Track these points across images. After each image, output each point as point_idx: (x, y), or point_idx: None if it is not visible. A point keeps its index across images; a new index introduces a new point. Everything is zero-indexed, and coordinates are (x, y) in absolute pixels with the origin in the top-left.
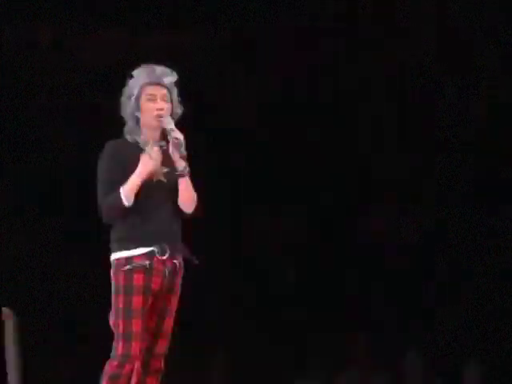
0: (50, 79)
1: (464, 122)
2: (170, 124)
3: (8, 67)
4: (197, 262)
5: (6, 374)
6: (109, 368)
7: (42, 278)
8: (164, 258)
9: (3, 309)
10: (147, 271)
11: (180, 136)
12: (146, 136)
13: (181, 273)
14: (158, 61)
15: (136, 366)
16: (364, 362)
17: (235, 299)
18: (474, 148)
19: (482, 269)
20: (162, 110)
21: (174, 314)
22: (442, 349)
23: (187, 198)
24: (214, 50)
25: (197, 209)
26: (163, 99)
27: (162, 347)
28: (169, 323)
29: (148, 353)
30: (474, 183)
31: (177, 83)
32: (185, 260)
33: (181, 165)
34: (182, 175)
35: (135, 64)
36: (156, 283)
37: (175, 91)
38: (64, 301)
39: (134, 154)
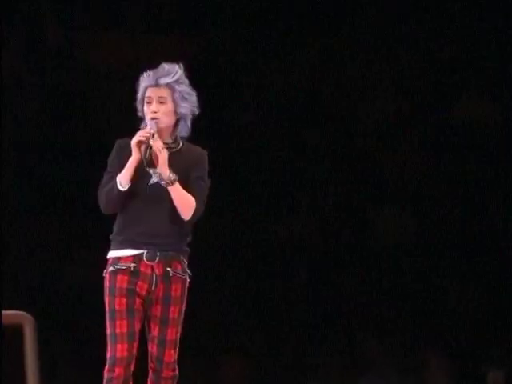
0: (51, 80)
1: (467, 123)
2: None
3: (9, 67)
4: (187, 277)
5: (25, 379)
6: (104, 373)
7: (46, 278)
8: (152, 263)
9: (22, 313)
10: (132, 274)
11: (157, 145)
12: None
13: (179, 281)
14: (158, 61)
15: (149, 375)
16: (369, 364)
17: (236, 299)
18: (475, 148)
19: (485, 269)
20: (155, 112)
21: (178, 323)
22: (444, 349)
23: (180, 205)
24: (214, 50)
25: (195, 215)
26: (159, 101)
27: (170, 356)
28: (172, 332)
29: (158, 362)
30: (476, 183)
31: (178, 82)
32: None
33: (164, 173)
34: (167, 184)
35: (136, 65)
36: (142, 288)
37: (179, 90)
38: (66, 302)
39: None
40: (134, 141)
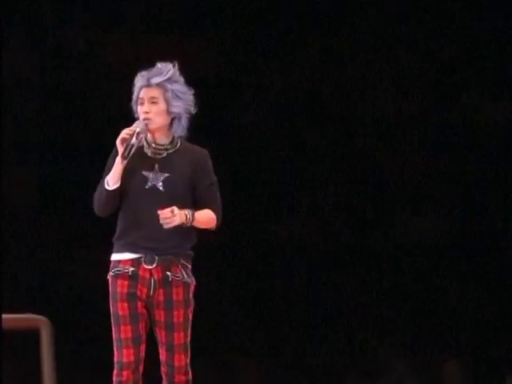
0: (51, 80)
1: (467, 123)
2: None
3: (9, 67)
4: (191, 281)
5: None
6: (113, 377)
7: (46, 278)
8: (150, 267)
9: (39, 316)
10: (131, 278)
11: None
12: (150, 137)
13: (180, 285)
14: (158, 61)
15: (163, 380)
16: (369, 364)
17: (236, 299)
18: (475, 148)
19: (485, 269)
20: (147, 113)
21: (184, 327)
22: (444, 349)
23: (205, 226)
24: (214, 50)
25: (218, 222)
26: (151, 101)
27: (180, 360)
28: (179, 337)
29: (169, 367)
30: (476, 183)
31: (171, 81)
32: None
33: (183, 220)
34: (191, 223)
35: (136, 65)
36: (142, 292)
37: (171, 89)
38: (66, 302)
39: (136, 154)
40: (118, 139)
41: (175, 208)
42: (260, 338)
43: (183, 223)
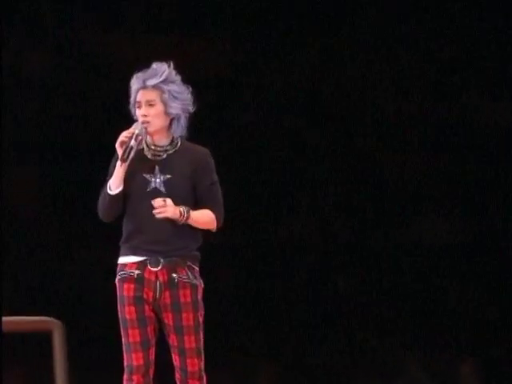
0: (51, 79)
1: (467, 123)
2: (137, 133)
3: (9, 67)
4: (199, 283)
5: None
6: (123, 382)
7: (46, 278)
8: (156, 269)
9: (51, 319)
10: (137, 281)
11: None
12: (149, 139)
13: (187, 287)
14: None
15: None
16: (369, 364)
17: (236, 299)
18: (475, 148)
19: (485, 269)
20: (144, 116)
21: (195, 330)
22: (443, 349)
23: (203, 226)
24: (214, 50)
25: (219, 222)
26: (148, 104)
27: (193, 365)
28: (191, 340)
29: (182, 372)
30: (476, 183)
31: (167, 81)
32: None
33: (177, 216)
34: (186, 220)
35: (135, 65)
36: (148, 295)
37: (168, 90)
38: (66, 302)
39: (136, 157)
40: (117, 142)
41: (169, 199)
42: (260, 337)
43: (177, 219)
